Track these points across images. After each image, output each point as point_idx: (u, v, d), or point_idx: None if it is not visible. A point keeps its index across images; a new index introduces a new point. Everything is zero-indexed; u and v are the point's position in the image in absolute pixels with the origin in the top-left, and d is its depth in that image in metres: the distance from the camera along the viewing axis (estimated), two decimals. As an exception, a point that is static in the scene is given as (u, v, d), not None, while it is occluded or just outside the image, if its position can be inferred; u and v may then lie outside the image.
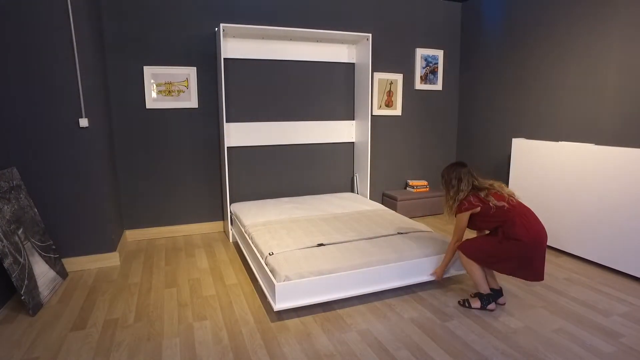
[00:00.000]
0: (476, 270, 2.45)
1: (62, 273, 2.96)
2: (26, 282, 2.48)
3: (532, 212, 2.39)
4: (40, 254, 2.75)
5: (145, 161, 3.80)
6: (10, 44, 2.72)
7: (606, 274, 3.01)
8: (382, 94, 4.59)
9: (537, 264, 2.32)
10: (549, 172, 3.48)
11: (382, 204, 4.67)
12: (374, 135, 4.58)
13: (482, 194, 2.40)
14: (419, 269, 2.72)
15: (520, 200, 2.44)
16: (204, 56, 3.83)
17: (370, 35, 4.05)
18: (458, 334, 2.23)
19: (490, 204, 2.35)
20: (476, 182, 2.46)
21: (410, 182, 4.80)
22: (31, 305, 2.44)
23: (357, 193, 4.56)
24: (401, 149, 4.83)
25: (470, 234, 2.85)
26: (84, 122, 2.96)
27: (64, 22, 2.81)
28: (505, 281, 2.85)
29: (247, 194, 4.20)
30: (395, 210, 4.42)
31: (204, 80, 3.87)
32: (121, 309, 2.53)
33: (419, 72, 4.70)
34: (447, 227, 4.20)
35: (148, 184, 3.84)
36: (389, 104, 4.64)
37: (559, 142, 3.41)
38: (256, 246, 2.89)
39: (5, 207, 2.54)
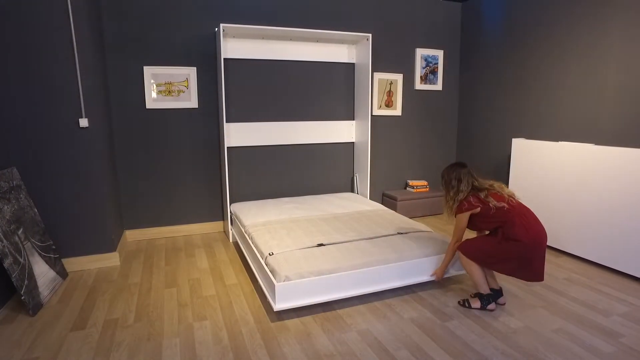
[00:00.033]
0: (476, 270, 2.45)
1: (62, 273, 2.97)
2: (26, 282, 2.48)
3: (532, 213, 2.39)
4: (40, 254, 2.75)
5: (145, 161, 3.80)
6: (10, 44, 2.72)
7: (606, 274, 3.01)
8: (382, 94, 4.59)
9: (536, 265, 2.32)
10: (549, 172, 3.48)
11: (382, 204, 4.67)
12: (374, 135, 4.58)
13: (482, 195, 2.40)
14: (419, 269, 2.72)
15: (520, 200, 2.44)
16: (204, 56, 3.83)
17: (370, 35, 4.05)
18: (458, 334, 2.23)
19: (490, 205, 2.35)
20: (476, 183, 2.46)
21: (410, 182, 4.80)
22: (31, 305, 2.44)
23: (357, 193, 4.56)
24: (401, 149, 4.83)
25: (470, 234, 2.85)
26: (84, 122, 2.96)
27: (64, 22, 2.81)
28: (505, 281, 2.85)
29: (247, 194, 4.20)
30: (395, 210, 4.42)
31: (204, 80, 3.87)
32: (121, 309, 2.53)
33: (419, 72, 4.70)
34: (447, 227, 4.20)
35: (148, 184, 3.84)
36: (389, 104, 4.64)
37: (559, 142, 3.41)
38: (256, 246, 2.89)
39: (5, 207, 2.54)
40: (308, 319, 2.39)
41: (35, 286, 2.57)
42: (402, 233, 3.04)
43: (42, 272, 2.70)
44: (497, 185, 2.48)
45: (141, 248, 3.66)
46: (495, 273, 2.68)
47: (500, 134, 4.43)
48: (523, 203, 2.45)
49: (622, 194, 2.94)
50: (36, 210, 2.88)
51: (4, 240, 2.40)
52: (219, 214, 4.15)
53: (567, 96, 3.65)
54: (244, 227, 3.33)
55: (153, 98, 3.72)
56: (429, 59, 4.74)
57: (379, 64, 4.51)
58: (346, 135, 4.52)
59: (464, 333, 2.23)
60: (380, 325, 2.31)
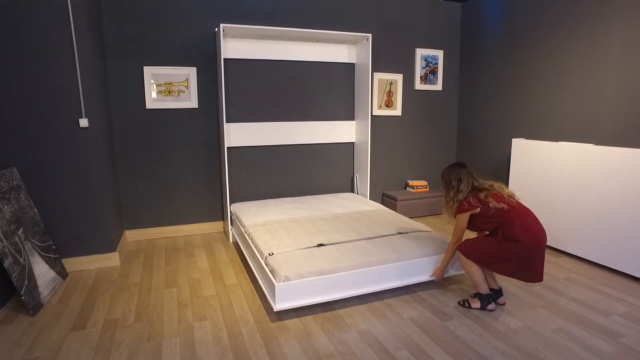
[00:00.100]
0: (475, 270, 2.45)
1: (62, 273, 2.97)
2: (26, 282, 2.48)
3: (532, 213, 2.39)
4: (40, 254, 2.75)
5: (145, 161, 3.80)
6: (10, 44, 2.72)
7: (606, 274, 3.01)
8: (382, 94, 4.59)
9: (536, 265, 2.32)
10: (549, 172, 3.48)
11: (382, 204, 4.67)
12: (374, 135, 4.58)
13: (482, 195, 2.40)
14: (419, 269, 2.72)
15: (520, 200, 2.44)
16: (204, 56, 3.83)
17: (370, 35, 4.05)
18: (458, 334, 2.23)
19: (490, 205, 2.35)
20: (476, 183, 2.46)
21: (410, 182, 4.80)
22: (31, 305, 2.44)
23: (357, 193, 4.56)
24: (401, 149, 4.83)
25: (470, 235, 2.85)
26: (84, 122, 2.96)
27: (64, 22, 2.81)
28: (505, 281, 2.85)
29: (247, 194, 4.20)
30: (395, 211, 4.42)
31: (204, 80, 3.87)
32: (121, 309, 2.53)
33: (419, 72, 4.70)
34: (447, 227, 4.20)
35: (148, 184, 3.84)
36: (389, 104, 4.64)
37: (559, 142, 3.41)
38: (256, 246, 2.89)
39: (5, 207, 2.54)
40: (308, 319, 2.39)
41: (35, 286, 2.57)
42: (402, 233, 3.05)
43: (42, 272, 2.70)
44: (497, 185, 2.48)
45: (141, 248, 3.66)
46: (495, 273, 2.68)
47: (500, 134, 4.43)
48: (523, 203, 2.45)
49: (622, 194, 2.94)
50: (36, 210, 2.88)
51: (4, 240, 2.40)
52: (219, 214, 4.15)
53: (567, 96, 3.65)
54: (244, 227, 3.33)
55: (153, 98, 3.72)
56: (429, 59, 4.74)
57: (379, 64, 4.51)
58: (346, 135, 4.52)
59: (464, 333, 2.23)
60: (380, 325, 2.31)
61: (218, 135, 4.00)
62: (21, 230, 2.63)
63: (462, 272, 2.82)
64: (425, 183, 4.81)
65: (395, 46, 4.57)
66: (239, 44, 3.91)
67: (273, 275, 2.43)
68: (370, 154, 4.41)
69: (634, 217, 2.88)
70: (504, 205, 2.34)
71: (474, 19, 4.66)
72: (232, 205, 3.92)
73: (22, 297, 2.40)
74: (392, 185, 4.87)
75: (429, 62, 4.75)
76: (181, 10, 3.71)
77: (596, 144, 3.35)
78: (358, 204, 3.92)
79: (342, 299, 2.58)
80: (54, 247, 2.95)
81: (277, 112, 4.19)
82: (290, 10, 4.06)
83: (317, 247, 2.73)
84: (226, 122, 3.91)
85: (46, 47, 2.80)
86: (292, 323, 2.35)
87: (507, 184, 3.87)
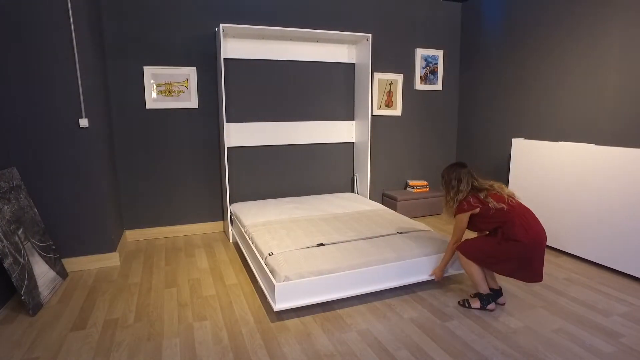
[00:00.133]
0: (475, 270, 2.45)
1: (62, 273, 2.97)
2: (26, 282, 2.48)
3: (532, 213, 2.39)
4: (40, 254, 2.75)
5: (145, 161, 3.80)
6: (10, 44, 2.72)
7: (606, 274, 3.01)
8: (382, 94, 4.59)
9: (536, 265, 2.32)
10: (549, 172, 3.48)
11: (382, 204, 4.67)
12: (374, 135, 4.58)
13: (482, 195, 2.40)
14: (419, 268, 2.72)
15: (520, 200, 2.44)
16: (204, 56, 3.83)
17: (370, 35, 4.05)
18: (458, 334, 2.23)
19: (490, 205, 2.35)
20: (476, 183, 2.46)
21: (410, 182, 4.80)
22: (31, 305, 2.44)
23: (357, 193, 4.56)
24: (401, 149, 4.83)
25: (469, 235, 2.85)
26: (84, 122, 2.96)
27: (64, 22, 2.81)
28: (505, 281, 2.85)
29: (247, 194, 4.20)
30: (395, 211, 4.42)
31: (204, 80, 3.87)
32: (121, 309, 2.53)
33: (418, 72, 4.70)
34: (447, 228, 4.20)
35: (148, 184, 3.84)
36: (388, 104, 4.64)
37: (559, 142, 3.41)
38: (256, 246, 2.89)
39: (5, 207, 2.54)
40: (308, 319, 2.39)
41: (35, 286, 2.57)
42: (401, 233, 3.04)
43: (42, 272, 2.70)
44: (497, 185, 2.48)
45: (141, 248, 3.66)
46: (495, 273, 2.68)
47: (500, 134, 4.43)
48: (523, 203, 2.45)
49: (622, 194, 2.94)
50: (36, 210, 2.88)
51: (4, 240, 2.40)
52: (219, 214, 4.15)
53: (567, 96, 3.65)
54: (244, 227, 3.33)
55: (153, 98, 3.72)
56: (429, 59, 4.74)
57: (379, 64, 4.51)
58: (346, 135, 4.52)
59: (464, 333, 2.23)
60: (380, 325, 2.31)
61: (218, 135, 4.00)
62: (21, 230, 2.63)
63: (462, 271, 2.82)
64: (425, 183, 4.81)
65: (395, 46, 4.57)
66: (239, 44, 3.91)
67: (273, 275, 2.43)
68: (370, 154, 4.41)
69: (634, 217, 2.88)
70: (503, 205, 2.34)
71: (474, 19, 4.66)
72: (232, 205, 3.93)
73: (22, 297, 2.40)
74: (392, 185, 4.87)
75: (429, 62, 4.75)
76: (181, 10, 3.71)
77: (596, 144, 3.35)
78: (358, 204, 3.92)
79: (342, 299, 2.58)
80: (54, 247, 2.95)
81: (277, 112, 4.20)
82: (290, 10, 4.06)
83: (317, 247, 2.73)
84: (226, 122, 3.91)
85: (46, 47, 2.80)
86: (292, 323, 2.35)
87: (507, 184, 3.87)
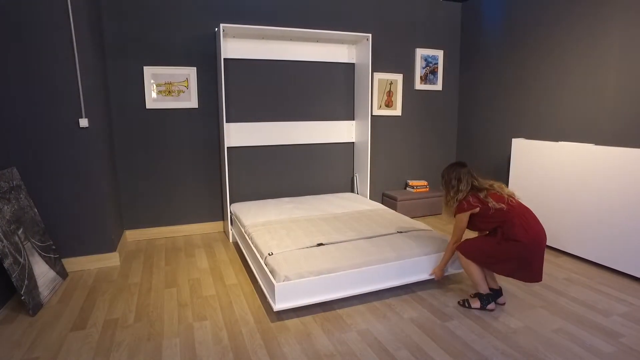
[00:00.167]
0: (475, 270, 2.45)
1: (62, 273, 2.97)
2: (26, 282, 2.48)
3: (532, 213, 2.39)
4: (40, 254, 2.75)
5: (145, 161, 3.80)
6: (10, 44, 2.72)
7: (606, 274, 3.01)
8: (382, 94, 4.59)
9: (535, 265, 2.32)
10: (549, 172, 3.48)
11: (382, 204, 4.67)
12: (374, 135, 4.58)
13: (482, 195, 2.40)
14: (419, 267, 2.72)
15: (520, 200, 2.44)
16: (204, 56, 3.83)
17: (370, 35, 4.05)
18: (458, 334, 2.23)
19: (489, 205, 2.35)
20: (476, 183, 2.46)
21: (410, 182, 4.80)
22: (31, 305, 2.44)
23: (357, 193, 4.56)
24: (401, 149, 4.83)
25: (469, 235, 2.85)
26: (84, 122, 2.96)
27: (64, 22, 2.81)
28: (504, 281, 2.85)
29: (247, 194, 4.20)
30: (395, 211, 4.42)
31: (204, 80, 3.87)
32: (121, 309, 2.53)
33: (418, 72, 4.70)
34: (447, 228, 4.20)
35: (148, 184, 3.84)
36: (388, 104, 4.64)
37: (559, 142, 3.41)
38: (256, 246, 2.89)
39: (5, 207, 2.54)
40: (308, 319, 2.39)
41: (35, 286, 2.57)
42: (401, 232, 3.05)
43: (42, 272, 2.70)
44: (497, 185, 2.48)
45: (141, 248, 3.66)
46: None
47: (500, 134, 4.43)
48: (523, 203, 2.45)
49: (622, 194, 2.94)
50: (36, 210, 2.88)
51: (4, 240, 2.40)
52: (219, 214, 4.15)
53: (567, 96, 3.65)
54: (243, 227, 3.33)
55: (153, 98, 3.72)
56: (429, 59, 4.74)
57: (379, 64, 4.51)
58: (346, 135, 4.52)
59: (464, 333, 2.23)
60: (380, 325, 2.31)
61: (218, 135, 4.00)
62: (21, 230, 2.63)
63: (462, 270, 2.82)
64: (425, 183, 4.81)
65: (395, 46, 4.57)
66: (239, 44, 3.91)
67: (273, 275, 2.43)
68: (370, 154, 4.41)
69: (634, 217, 2.88)
70: (503, 205, 2.34)
71: (474, 19, 4.66)
72: (232, 205, 3.93)
73: (22, 297, 2.40)
74: (392, 185, 4.87)
75: (429, 62, 4.75)
76: (181, 10, 3.71)
77: (596, 144, 3.35)
78: (358, 203, 3.91)
79: (342, 299, 2.58)
80: (54, 247, 2.95)
81: (277, 112, 4.20)
82: (290, 10, 4.06)
83: (317, 247, 2.73)
84: (226, 122, 3.91)
85: (46, 47, 2.80)
86: (292, 323, 2.35)
87: (507, 184, 3.87)
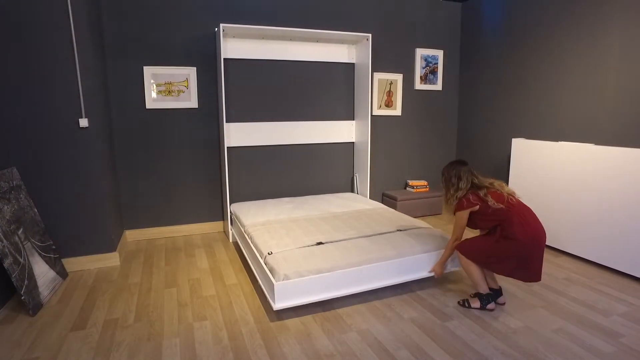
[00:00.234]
0: (475, 270, 2.45)
1: (62, 273, 2.97)
2: (26, 282, 2.48)
3: (532, 212, 2.38)
4: (40, 254, 2.75)
5: (145, 161, 3.80)
6: (10, 44, 2.72)
7: (606, 274, 3.01)
8: (382, 94, 4.59)
9: (534, 264, 2.32)
10: (549, 172, 3.48)
11: (382, 204, 4.67)
12: (374, 135, 4.58)
13: (482, 193, 2.40)
14: (419, 265, 2.72)
15: (520, 199, 2.44)
16: (204, 56, 3.83)
17: (370, 35, 4.05)
18: (458, 334, 2.23)
19: (489, 203, 2.35)
20: (476, 181, 2.46)
21: (410, 182, 4.80)
22: (31, 305, 2.44)
23: (357, 193, 4.56)
24: (401, 149, 4.83)
25: (469, 234, 2.85)
26: (84, 122, 2.96)
27: (64, 22, 2.81)
28: (504, 281, 2.85)
29: (247, 194, 4.20)
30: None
31: (204, 80, 3.87)
32: (121, 309, 2.53)
33: (418, 72, 4.70)
34: (447, 227, 4.20)
35: (148, 184, 3.84)
36: (388, 104, 4.64)
37: (559, 142, 3.41)
38: (255, 246, 2.89)
39: (5, 207, 2.54)
40: (308, 318, 2.39)
41: (35, 286, 2.57)
42: (401, 230, 3.05)
43: (42, 272, 2.70)
44: (497, 183, 2.48)
45: (141, 248, 3.66)
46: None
47: (500, 134, 4.43)
48: (523, 202, 2.44)
49: (622, 194, 2.94)
50: (36, 210, 2.88)
51: (4, 240, 2.40)
52: (219, 214, 4.15)
53: (567, 96, 3.65)
54: (243, 227, 3.33)
55: (153, 98, 3.73)
56: (429, 59, 4.74)
57: (379, 64, 4.51)
58: (346, 135, 4.52)
59: (464, 333, 2.23)
60: (380, 325, 2.31)
61: (218, 135, 4.00)
62: (21, 230, 2.63)
63: (461, 267, 2.82)
64: (425, 183, 4.81)
65: (395, 46, 4.57)
66: (239, 44, 3.91)
67: (272, 274, 2.43)
68: (370, 154, 4.41)
69: (634, 217, 2.87)
70: (501, 206, 2.33)
71: (474, 19, 4.66)
72: (232, 205, 3.93)
73: (22, 297, 2.40)
74: (392, 185, 4.87)
75: (429, 62, 4.75)
76: (181, 10, 3.71)
77: (596, 144, 3.35)
78: (358, 203, 3.91)
79: (342, 299, 2.58)
80: (54, 247, 2.95)
81: (277, 112, 4.20)
82: (290, 10, 4.06)
83: (317, 246, 2.73)
84: (226, 122, 3.91)
85: (46, 47, 2.80)
86: (292, 323, 2.35)
87: (507, 184, 3.87)
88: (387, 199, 4.65)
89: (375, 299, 2.62)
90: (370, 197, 4.61)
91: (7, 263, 2.36)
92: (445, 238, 2.89)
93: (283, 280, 2.35)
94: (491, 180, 2.49)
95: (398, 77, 4.62)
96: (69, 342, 2.17)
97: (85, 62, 2.93)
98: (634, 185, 2.87)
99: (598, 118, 3.39)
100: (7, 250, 2.39)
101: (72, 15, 2.82)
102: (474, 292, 2.66)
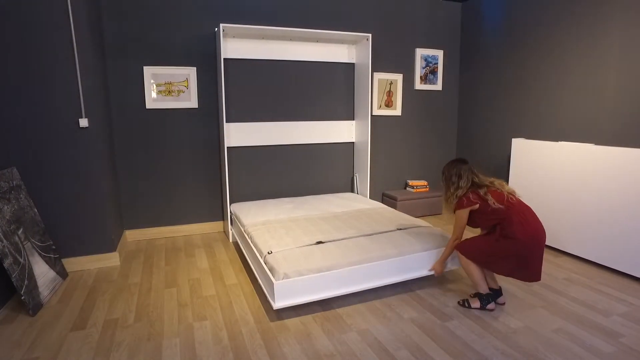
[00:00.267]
0: (475, 270, 2.45)
1: (62, 273, 2.97)
2: (26, 282, 2.48)
3: (532, 211, 2.38)
4: (40, 254, 2.75)
5: (145, 161, 3.80)
6: (10, 44, 2.72)
7: (606, 274, 3.01)
8: (382, 94, 4.59)
9: (534, 264, 2.32)
10: (549, 172, 3.48)
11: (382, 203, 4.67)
12: (374, 135, 4.58)
13: (482, 192, 2.40)
14: (419, 263, 2.72)
15: (520, 198, 2.44)
16: (204, 56, 3.83)
17: (370, 35, 4.05)
18: (458, 334, 2.23)
19: (489, 202, 2.35)
20: (476, 179, 2.46)
21: (410, 182, 4.80)
22: (31, 305, 2.44)
23: (357, 193, 4.56)
24: (401, 149, 4.83)
25: (468, 234, 2.85)
26: (84, 122, 2.96)
27: (64, 22, 2.81)
28: (504, 281, 2.85)
29: (247, 194, 4.20)
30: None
31: (204, 80, 3.87)
32: (121, 309, 2.53)
33: (418, 72, 4.70)
34: (447, 227, 4.20)
35: (148, 184, 3.84)
36: (388, 104, 4.64)
37: (559, 142, 3.41)
38: (255, 246, 2.89)
39: (5, 207, 2.54)
40: (308, 318, 2.39)
41: (35, 286, 2.57)
42: (401, 229, 3.05)
43: (42, 272, 2.70)
44: (497, 182, 2.48)
45: (141, 248, 3.66)
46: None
47: (500, 134, 4.43)
48: (523, 201, 2.44)
49: (622, 194, 2.94)
50: (36, 210, 2.88)
51: (4, 240, 2.40)
52: (219, 214, 4.15)
53: (567, 96, 3.65)
54: (243, 226, 3.33)
55: (153, 98, 3.73)
56: (429, 59, 4.74)
57: (378, 64, 4.51)
58: (346, 135, 4.52)
59: (464, 333, 2.23)
60: (380, 325, 2.31)
61: (218, 135, 4.00)
62: (21, 230, 2.63)
63: (460, 265, 2.82)
64: (425, 183, 4.81)
65: (395, 46, 4.57)
66: (239, 44, 3.91)
67: (272, 273, 2.42)
68: (370, 154, 4.41)
69: (634, 217, 2.87)
70: (501, 206, 2.33)
71: (474, 19, 4.66)
72: (232, 205, 3.93)
73: (22, 297, 2.40)
74: (392, 185, 4.87)
75: (429, 62, 4.75)
76: (181, 10, 3.71)
77: (596, 144, 3.35)
78: (358, 203, 3.92)
79: (342, 298, 2.58)
80: (54, 247, 2.95)
81: (277, 112, 4.20)
82: (290, 10, 4.06)
83: (316, 245, 2.73)
84: (226, 122, 3.91)
85: (46, 47, 2.80)
86: (292, 323, 2.35)
87: (507, 183, 3.87)
88: (387, 199, 4.65)
89: (375, 299, 2.62)
90: (370, 197, 4.61)
91: (7, 263, 2.36)
92: (446, 237, 2.89)
93: (283, 279, 2.35)
94: (491, 179, 2.49)
95: (398, 77, 4.62)
96: (69, 342, 2.17)
97: (85, 62, 2.93)
98: (634, 185, 2.87)
99: (598, 118, 3.39)
100: (7, 250, 2.39)
101: (72, 15, 2.82)
102: (473, 292, 2.66)
